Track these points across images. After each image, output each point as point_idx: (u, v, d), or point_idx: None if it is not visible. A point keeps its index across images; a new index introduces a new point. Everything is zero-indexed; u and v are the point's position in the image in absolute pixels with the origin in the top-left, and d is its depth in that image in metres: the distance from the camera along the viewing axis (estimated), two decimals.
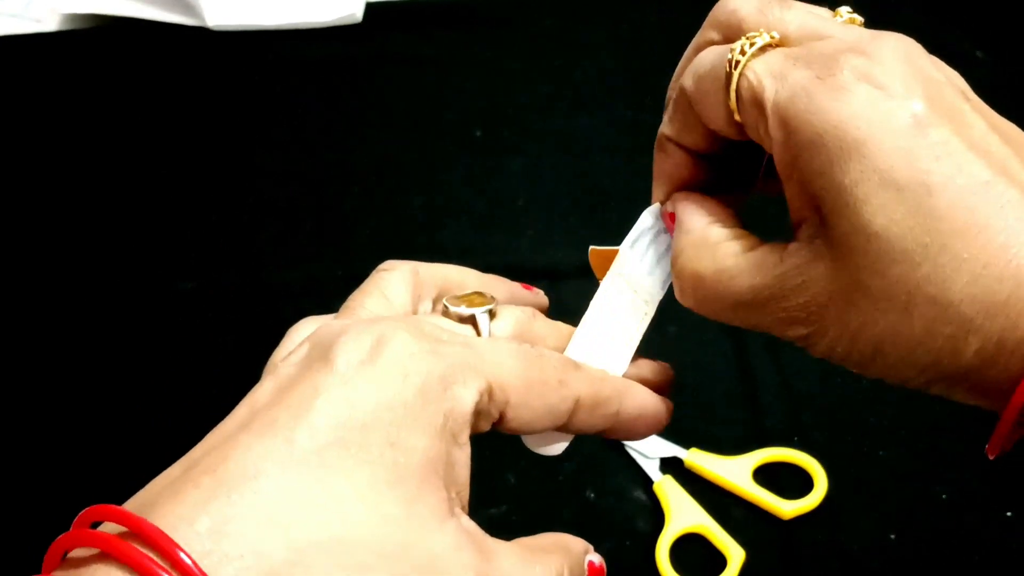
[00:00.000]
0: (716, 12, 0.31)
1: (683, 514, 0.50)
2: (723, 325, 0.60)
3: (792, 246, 0.27)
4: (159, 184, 0.69)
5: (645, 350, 0.61)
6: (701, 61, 0.30)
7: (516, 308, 0.34)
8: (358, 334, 0.28)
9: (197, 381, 0.58)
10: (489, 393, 0.28)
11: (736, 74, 0.27)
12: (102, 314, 0.62)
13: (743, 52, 0.28)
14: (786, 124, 0.26)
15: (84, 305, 0.62)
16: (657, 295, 0.35)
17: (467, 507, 0.27)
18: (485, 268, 0.63)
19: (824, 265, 0.26)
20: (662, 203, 0.35)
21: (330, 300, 0.66)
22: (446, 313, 0.32)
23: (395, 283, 0.34)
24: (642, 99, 0.72)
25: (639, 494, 0.53)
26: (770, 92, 0.27)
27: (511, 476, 0.53)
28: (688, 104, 0.30)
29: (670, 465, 0.53)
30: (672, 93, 0.32)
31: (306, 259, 0.64)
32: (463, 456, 0.27)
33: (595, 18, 0.77)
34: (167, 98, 0.75)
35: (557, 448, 0.34)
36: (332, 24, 0.77)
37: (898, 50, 0.27)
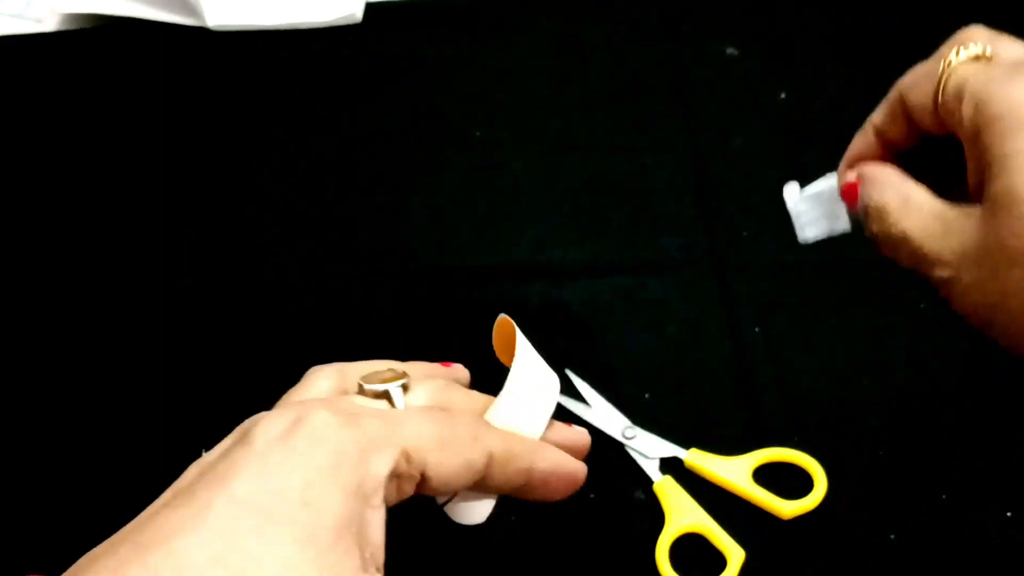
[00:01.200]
0: (957, 35, 0.38)
1: (683, 514, 0.51)
2: (723, 325, 0.61)
3: (966, 206, 0.33)
4: (159, 184, 0.69)
5: (645, 350, 0.61)
6: (921, 65, 0.37)
7: (430, 381, 0.36)
8: (277, 416, 0.30)
9: (197, 381, 0.58)
10: (406, 457, 0.30)
11: (948, 71, 0.34)
12: (102, 313, 0.62)
13: (956, 55, 0.35)
14: (976, 103, 0.32)
15: (84, 304, 0.62)
16: (556, 386, 0.39)
17: (381, 569, 0.28)
18: (485, 268, 0.64)
19: (977, 218, 0.31)
20: (845, 173, 0.40)
21: (330, 300, 0.66)
22: (362, 391, 0.34)
23: (322, 379, 0.36)
24: (642, 99, 0.72)
25: (639, 494, 0.53)
26: (969, 82, 0.33)
27: None
28: (900, 99, 0.37)
29: (670, 465, 0.53)
30: (892, 91, 0.38)
31: (306, 259, 0.64)
32: (377, 518, 0.29)
33: (595, 18, 0.77)
34: (167, 98, 0.75)
35: (480, 515, 0.36)
36: (332, 24, 0.77)
37: None
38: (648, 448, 0.53)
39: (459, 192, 0.67)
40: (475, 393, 0.37)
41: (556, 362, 0.42)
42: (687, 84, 0.72)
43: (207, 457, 0.30)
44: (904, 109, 0.37)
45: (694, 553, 0.50)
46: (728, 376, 0.57)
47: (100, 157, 0.71)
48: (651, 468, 0.53)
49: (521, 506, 0.52)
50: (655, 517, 0.51)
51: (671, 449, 0.53)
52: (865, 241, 0.63)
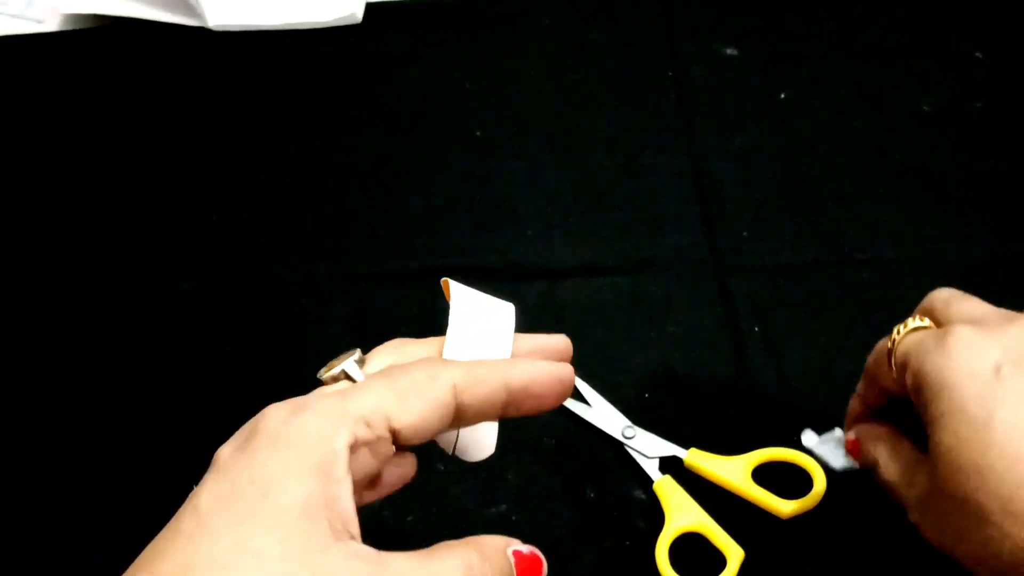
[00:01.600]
0: (924, 302, 0.42)
1: (683, 514, 0.51)
2: (723, 325, 0.61)
3: (925, 456, 0.37)
4: (159, 184, 0.69)
5: (645, 350, 0.61)
6: (883, 340, 0.41)
7: (384, 345, 0.37)
8: (238, 433, 0.32)
9: (197, 380, 0.58)
10: (366, 423, 0.31)
11: (896, 344, 0.40)
12: (102, 313, 0.62)
13: (898, 333, 0.40)
14: (912, 373, 0.37)
15: (84, 304, 0.62)
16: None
17: (358, 537, 0.30)
18: (485, 268, 0.64)
19: (927, 469, 0.37)
20: (848, 432, 0.46)
21: (330, 300, 0.66)
22: (321, 382, 0.36)
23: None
24: (642, 99, 0.72)
25: (639, 494, 0.53)
26: (910, 354, 0.38)
27: (511, 476, 0.53)
28: (870, 371, 0.43)
29: (670, 465, 0.53)
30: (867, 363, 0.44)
31: (306, 259, 0.64)
32: (343, 490, 0.30)
33: (595, 18, 0.77)
34: (167, 98, 0.75)
35: (488, 446, 0.37)
36: (332, 24, 0.77)
37: (1019, 327, 0.36)
38: (648, 448, 0.53)
39: (459, 192, 0.67)
40: (432, 339, 0.38)
41: None
42: (687, 84, 0.72)
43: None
44: (875, 378, 0.42)
45: (694, 553, 0.50)
46: (728, 376, 0.57)
47: (100, 157, 0.71)
48: (651, 468, 0.53)
49: (522, 505, 0.52)
50: (655, 517, 0.51)
51: (671, 449, 0.53)
52: (864, 241, 0.64)
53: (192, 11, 0.77)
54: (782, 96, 0.71)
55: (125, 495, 0.54)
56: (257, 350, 0.60)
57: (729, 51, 0.74)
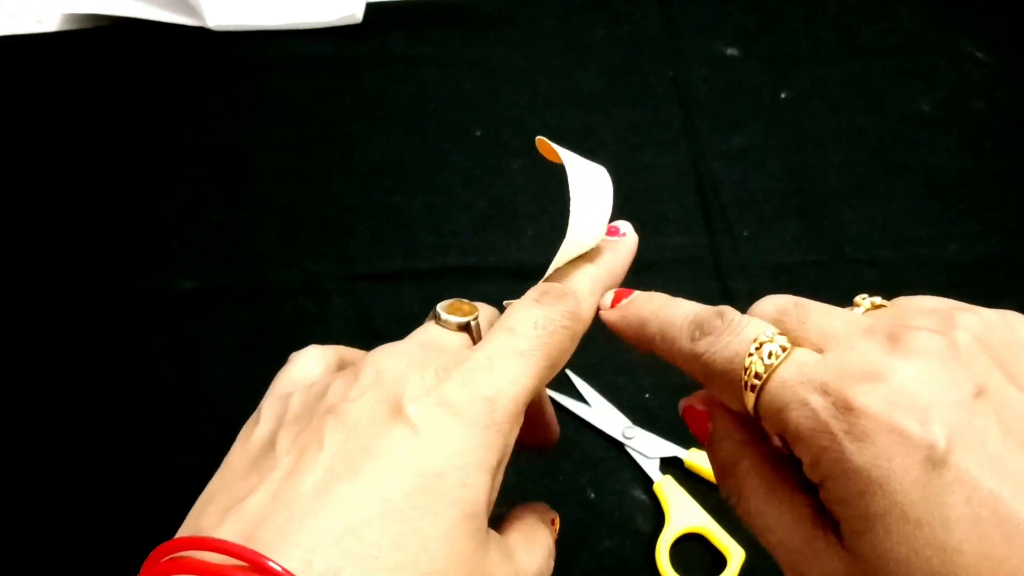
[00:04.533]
0: (765, 308, 0.33)
1: (683, 514, 0.51)
2: None
3: (831, 538, 0.28)
4: (159, 183, 0.69)
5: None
6: (713, 353, 0.31)
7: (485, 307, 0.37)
8: (426, 391, 0.29)
9: (196, 380, 0.58)
10: (525, 408, 0.31)
11: (756, 387, 0.29)
12: (102, 313, 0.62)
13: (762, 360, 0.29)
14: (812, 456, 0.28)
15: (84, 304, 0.62)
16: None
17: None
18: (485, 268, 0.64)
19: (843, 561, 0.28)
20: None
21: (330, 300, 0.66)
22: (440, 322, 0.34)
23: (311, 359, 0.39)
24: (642, 99, 0.72)
25: (639, 494, 0.53)
26: (793, 418, 0.28)
27: (511, 475, 0.53)
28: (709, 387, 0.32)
29: (670, 465, 0.53)
30: (676, 350, 0.33)
31: (306, 259, 0.64)
32: (498, 483, 0.30)
33: (595, 18, 0.77)
34: (167, 98, 0.75)
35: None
36: (332, 24, 0.77)
37: (917, 367, 0.27)
38: (648, 448, 0.53)
39: (459, 192, 0.67)
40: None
41: None
42: (687, 84, 0.72)
43: (351, 414, 0.29)
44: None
45: (694, 553, 0.50)
46: None
47: (100, 157, 0.71)
48: (651, 468, 0.53)
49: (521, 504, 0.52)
50: (655, 517, 0.51)
51: (671, 449, 0.53)
52: (864, 241, 0.64)
53: (192, 11, 0.77)
54: (782, 96, 0.71)
55: (125, 495, 0.54)
56: (257, 350, 0.60)
57: (729, 51, 0.74)
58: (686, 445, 0.53)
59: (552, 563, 0.33)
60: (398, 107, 0.73)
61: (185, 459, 0.54)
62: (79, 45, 0.79)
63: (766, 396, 0.29)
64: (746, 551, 0.49)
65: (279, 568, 0.24)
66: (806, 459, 0.28)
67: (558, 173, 0.72)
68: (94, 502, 0.54)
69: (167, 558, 0.26)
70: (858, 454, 0.26)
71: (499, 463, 0.30)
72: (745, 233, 0.63)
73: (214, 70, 0.76)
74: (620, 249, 0.40)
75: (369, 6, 0.78)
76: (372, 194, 0.68)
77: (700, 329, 0.32)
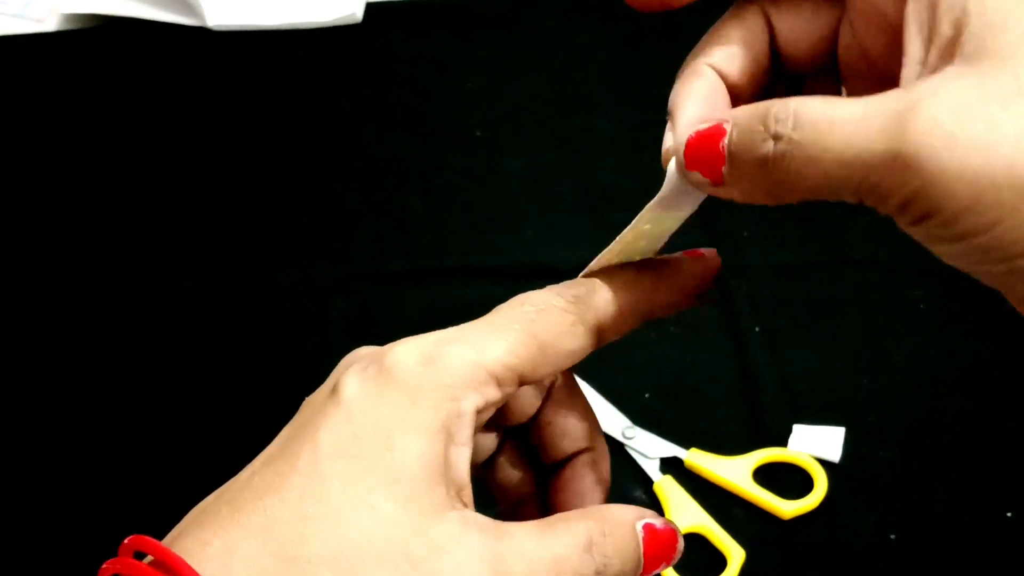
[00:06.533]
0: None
1: (683, 514, 0.50)
2: (723, 325, 0.60)
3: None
4: (159, 184, 0.69)
5: (645, 350, 0.61)
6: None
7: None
8: (360, 362, 0.29)
9: (196, 380, 0.58)
10: (497, 381, 0.29)
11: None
12: (102, 314, 0.62)
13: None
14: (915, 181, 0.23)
15: (84, 304, 0.62)
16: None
17: (471, 504, 0.28)
18: (485, 268, 0.64)
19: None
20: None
21: (330, 300, 0.66)
22: None
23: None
24: (643, 99, 0.72)
25: (639, 494, 0.53)
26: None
27: None
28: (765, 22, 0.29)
29: (670, 465, 0.53)
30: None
31: (306, 259, 0.64)
32: (462, 456, 0.28)
33: (595, 18, 0.77)
34: (167, 98, 0.75)
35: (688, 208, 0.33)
36: (332, 24, 0.77)
37: None
38: (648, 448, 0.53)
39: (459, 192, 0.67)
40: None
41: None
42: None
43: (303, 409, 0.30)
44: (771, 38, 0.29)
45: (694, 553, 0.50)
46: (728, 376, 0.57)
47: (100, 157, 0.71)
48: (651, 468, 0.53)
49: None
50: None
51: (671, 449, 0.53)
52: (864, 241, 0.64)
53: (192, 11, 0.77)
54: None
55: (125, 495, 0.54)
56: (257, 350, 0.60)
57: None
58: (686, 445, 0.53)
59: (619, 561, 0.28)
60: (398, 107, 0.73)
61: (185, 459, 0.54)
62: (79, 45, 0.78)
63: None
64: (746, 551, 0.49)
65: (177, 556, 0.25)
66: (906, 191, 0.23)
67: (558, 173, 0.72)
68: (94, 502, 0.54)
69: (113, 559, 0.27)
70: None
71: (447, 427, 0.28)
72: (745, 233, 0.63)
73: (214, 70, 0.76)
74: (679, 266, 0.35)
75: (369, 6, 0.78)
76: (372, 194, 0.67)
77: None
